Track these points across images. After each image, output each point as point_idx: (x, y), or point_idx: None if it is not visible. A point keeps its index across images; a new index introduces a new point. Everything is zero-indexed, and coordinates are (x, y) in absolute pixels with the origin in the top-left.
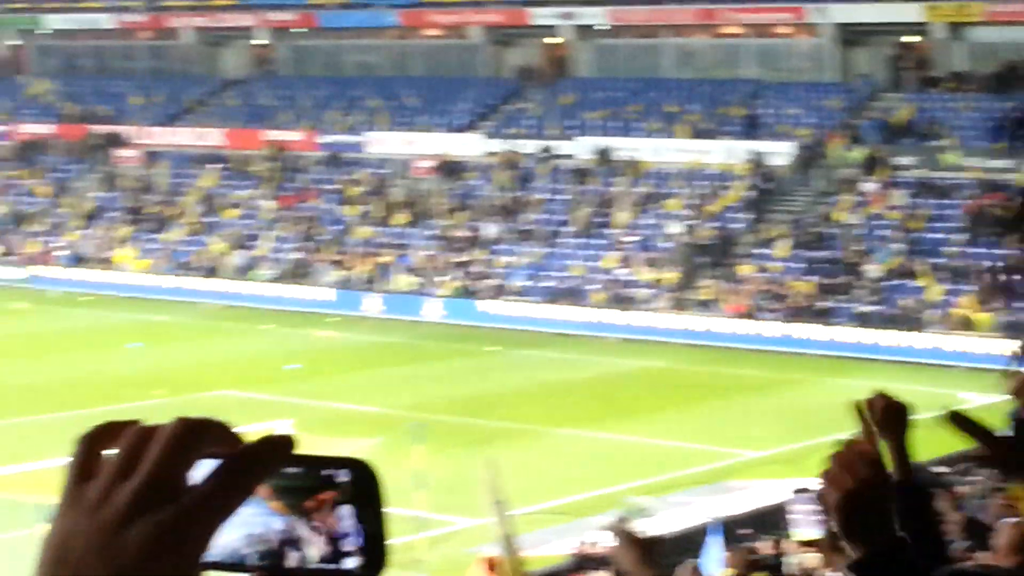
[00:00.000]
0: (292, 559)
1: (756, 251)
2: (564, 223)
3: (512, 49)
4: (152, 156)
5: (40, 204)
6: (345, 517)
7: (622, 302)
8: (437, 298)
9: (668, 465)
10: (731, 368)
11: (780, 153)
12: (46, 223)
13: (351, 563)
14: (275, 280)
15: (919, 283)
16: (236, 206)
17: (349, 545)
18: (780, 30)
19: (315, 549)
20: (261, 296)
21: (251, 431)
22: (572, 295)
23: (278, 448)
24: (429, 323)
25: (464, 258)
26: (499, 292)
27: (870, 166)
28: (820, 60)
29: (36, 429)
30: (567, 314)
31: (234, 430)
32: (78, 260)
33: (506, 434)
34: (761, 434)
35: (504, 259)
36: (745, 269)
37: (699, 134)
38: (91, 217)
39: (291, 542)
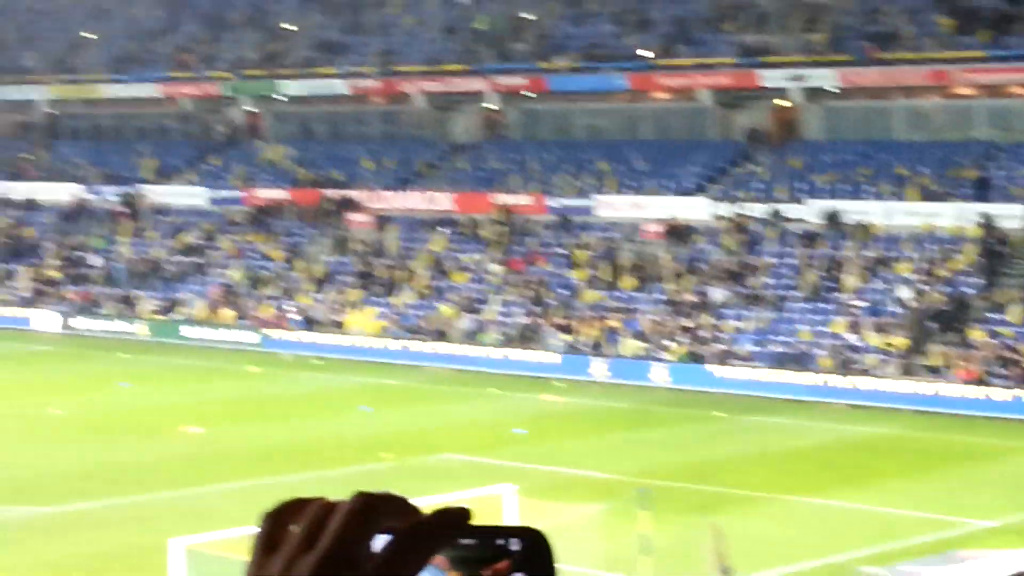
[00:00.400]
0: None
1: (988, 316)
2: (792, 287)
3: (741, 112)
4: (383, 220)
5: (274, 268)
6: None
7: (850, 367)
8: (664, 363)
9: (896, 534)
10: (961, 435)
11: (1012, 216)
12: (279, 287)
13: None
14: (503, 344)
15: None
16: (465, 270)
17: None
18: (1014, 90)
19: None
20: (489, 360)
21: (475, 495)
22: (799, 360)
23: (452, 520)
24: (656, 388)
25: (691, 323)
26: (726, 357)
27: None
28: None
29: (268, 491)
30: (794, 379)
31: (411, 503)
32: (310, 323)
33: (733, 500)
34: (992, 503)
35: (731, 323)
36: (976, 334)
37: (929, 197)
38: (323, 281)
39: None
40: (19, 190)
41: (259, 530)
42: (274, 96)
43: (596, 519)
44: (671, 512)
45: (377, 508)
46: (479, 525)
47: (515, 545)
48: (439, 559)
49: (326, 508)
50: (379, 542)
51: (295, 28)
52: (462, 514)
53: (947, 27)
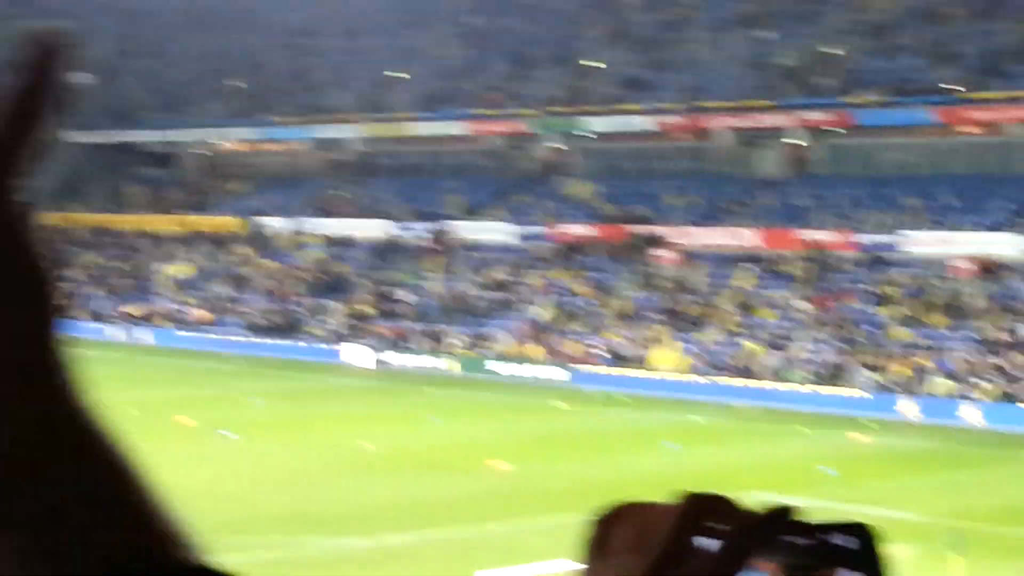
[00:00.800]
0: None
1: None
2: None
3: None
4: (689, 256)
5: (581, 304)
6: None
7: None
8: (976, 402)
9: None
10: None
11: None
12: (586, 323)
13: None
14: (810, 382)
15: None
16: (771, 306)
17: None
18: None
19: None
20: (796, 397)
21: None
22: None
23: (777, 516)
24: (968, 428)
25: (1004, 361)
26: None
27: None
28: None
29: (575, 528)
30: None
31: (737, 503)
32: (616, 359)
33: None
34: None
35: None
36: None
37: None
38: (629, 317)
39: None
40: (333, 226)
41: (590, 535)
42: (579, 133)
43: (908, 562)
44: (986, 557)
45: (707, 508)
46: (803, 521)
47: (845, 542)
48: (770, 566)
49: (656, 510)
50: (705, 542)
51: (600, 65)
52: (786, 510)
53: None
